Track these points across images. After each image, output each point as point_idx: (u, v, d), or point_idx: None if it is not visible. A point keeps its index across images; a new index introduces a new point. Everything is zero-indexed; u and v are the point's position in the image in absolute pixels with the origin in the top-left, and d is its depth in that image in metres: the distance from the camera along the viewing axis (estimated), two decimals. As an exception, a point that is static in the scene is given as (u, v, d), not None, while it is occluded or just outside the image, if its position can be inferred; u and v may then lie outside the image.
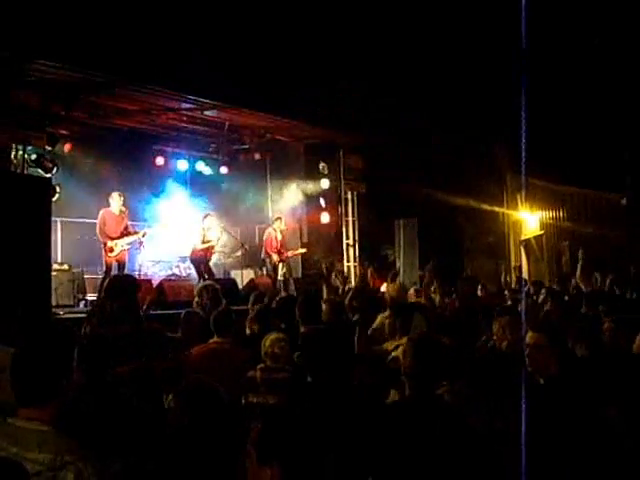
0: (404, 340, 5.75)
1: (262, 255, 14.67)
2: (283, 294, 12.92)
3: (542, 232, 19.16)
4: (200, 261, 13.14)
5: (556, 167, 16.87)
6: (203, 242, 13.10)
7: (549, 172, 16.76)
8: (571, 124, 16.42)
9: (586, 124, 16.28)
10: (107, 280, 8.64)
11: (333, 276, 15.43)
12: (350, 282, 16.33)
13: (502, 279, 14.34)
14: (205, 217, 13.47)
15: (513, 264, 19.57)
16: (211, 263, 13.62)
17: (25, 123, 10.89)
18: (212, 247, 13.30)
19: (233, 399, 3.38)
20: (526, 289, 10.61)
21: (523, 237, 19.77)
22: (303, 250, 15.65)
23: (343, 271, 16.49)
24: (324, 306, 6.83)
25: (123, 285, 6.87)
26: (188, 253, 13.48)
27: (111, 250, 11.74)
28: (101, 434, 3.17)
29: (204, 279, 12.44)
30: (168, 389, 4.20)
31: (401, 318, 6.03)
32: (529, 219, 19.44)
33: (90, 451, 2.65)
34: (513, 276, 12.91)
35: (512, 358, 4.65)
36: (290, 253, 15.03)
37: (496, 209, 19.92)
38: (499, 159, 19.54)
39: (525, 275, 17.92)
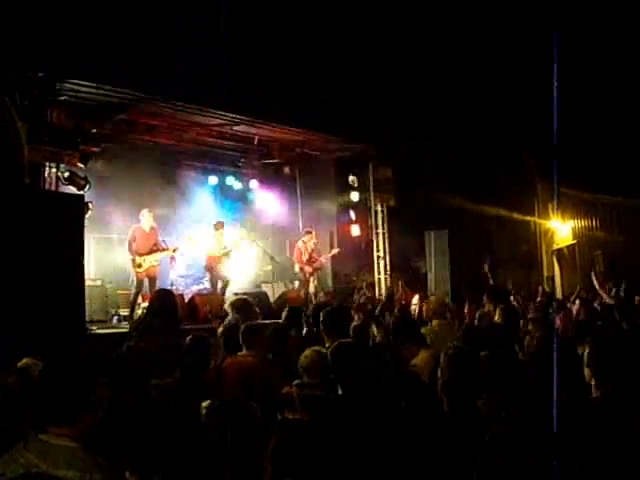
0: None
1: (296, 269, 14.74)
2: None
3: (574, 241, 18.97)
4: (215, 269, 13.21)
5: (588, 175, 16.71)
6: (222, 249, 13.16)
7: (581, 181, 16.61)
8: (603, 132, 16.27)
9: (618, 132, 16.11)
10: (151, 296, 8.70)
11: (364, 288, 15.40)
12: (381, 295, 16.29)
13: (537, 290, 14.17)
14: (219, 225, 13.52)
15: (545, 274, 19.38)
16: (242, 276, 13.66)
17: (58, 141, 11.03)
18: (229, 253, 13.32)
19: (263, 413, 3.38)
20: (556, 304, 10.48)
21: (555, 247, 19.57)
22: (337, 250, 15.59)
23: (373, 284, 16.44)
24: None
25: (165, 300, 6.94)
26: (204, 261, 13.49)
27: (139, 266, 11.90)
28: (135, 450, 3.18)
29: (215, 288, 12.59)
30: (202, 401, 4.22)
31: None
32: (561, 228, 19.26)
33: (120, 468, 2.66)
34: (546, 287, 12.73)
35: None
36: (323, 258, 15.04)
37: (527, 219, 19.77)
38: (530, 168, 19.39)
39: (558, 285, 17.72)
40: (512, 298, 10.99)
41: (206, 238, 13.48)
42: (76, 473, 2.56)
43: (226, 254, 13.25)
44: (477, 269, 17.02)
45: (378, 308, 9.79)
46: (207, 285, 15.00)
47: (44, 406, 2.75)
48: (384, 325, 7.37)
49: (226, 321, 7.10)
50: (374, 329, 7.02)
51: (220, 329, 6.53)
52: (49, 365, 2.83)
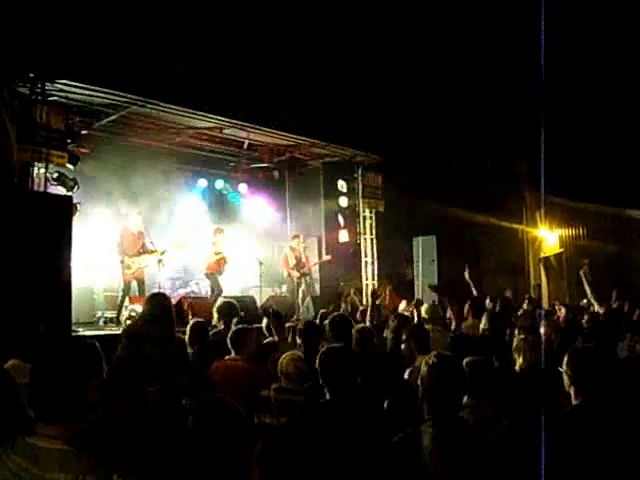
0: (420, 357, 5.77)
1: (285, 274, 14.77)
2: (301, 313, 13.00)
3: (562, 250, 19.07)
4: (214, 275, 13.20)
5: (575, 184, 16.81)
6: (215, 254, 13.17)
7: (568, 189, 16.71)
8: (590, 142, 16.38)
9: (606, 141, 16.22)
10: (145, 299, 8.59)
11: (352, 294, 15.41)
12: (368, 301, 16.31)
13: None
14: (215, 231, 13.55)
15: (533, 282, 19.48)
16: (229, 280, 13.66)
17: (47, 142, 11.00)
18: (224, 259, 13.32)
19: (248, 418, 3.39)
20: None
21: (543, 255, 19.67)
22: (328, 257, 15.59)
23: (361, 289, 16.46)
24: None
25: (160, 305, 6.90)
26: (203, 269, 13.55)
27: (128, 267, 11.89)
28: (126, 453, 3.17)
29: (217, 295, 12.54)
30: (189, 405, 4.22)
31: (416, 339, 6.02)
32: (549, 237, 19.36)
33: (110, 471, 2.65)
34: (533, 295, 12.80)
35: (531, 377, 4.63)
36: (313, 265, 15.08)
37: (515, 227, 19.86)
38: (518, 176, 19.49)
39: (545, 293, 17.81)
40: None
41: (204, 244, 13.52)
42: (68, 476, 2.54)
43: (223, 259, 13.26)
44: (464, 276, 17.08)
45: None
46: (195, 289, 15.00)
47: (35, 403, 2.74)
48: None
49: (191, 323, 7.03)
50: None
51: (187, 329, 6.54)
52: (40, 361, 2.82)
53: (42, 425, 2.68)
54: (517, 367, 5.55)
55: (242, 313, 7.71)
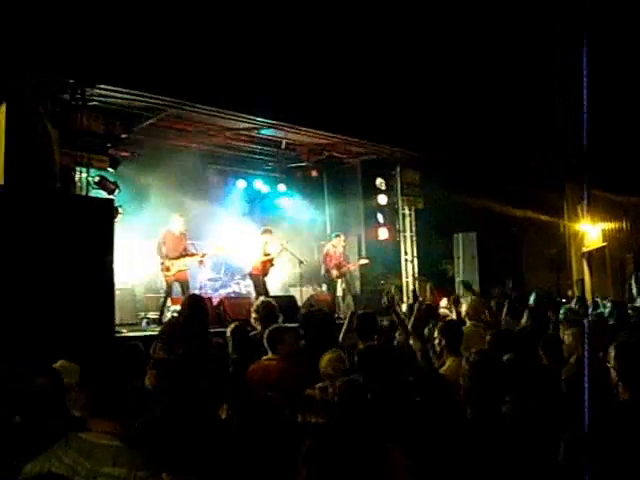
0: (450, 360, 5.72)
1: (322, 272, 14.75)
2: (342, 311, 12.98)
3: (605, 244, 18.77)
4: (259, 277, 13.23)
5: (617, 177, 16.54)
6: (264, 255, 13.20)
7: (610, 182, 16.44)
8: (632, 133, 16.10)
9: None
10: (182, 301, 8.63)
11: (392, 291, 15.34)
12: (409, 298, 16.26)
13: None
14: (264, 232, 13.57)
15: (575, 277, 19.21)
16: (269, 280, 13.70)
17: (88, 146, 11.18)
18: (271, 260, 13.35)
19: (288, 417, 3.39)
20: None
21: (585, 249, 19.37)
22: (366, 261, 15.57)
23: (402, 287, 16.40)
24: None
25: (195, 307, 6.96)
26: (248, 269, 13.57)
27: (167, 269, 11.97)
28: (174, 450, 3.22)
29: (264, 295, 12.57)
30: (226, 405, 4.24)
31: (448, 337, 5.97)
32: (591, 231, 19.07)
33: (161, 467, 2.70)
34: (575, 290, 12.60)
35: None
36: (352, 266, 15.06)
37: (556, 221, 19.60)
38: (558, 170, 19.22)
39: (588, 289, 17.54)
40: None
41: (243, 244, 13.59)
42: (122, 470, 2.61)
43: (270, 261, 13.29)
44: (505, 272, 16.91)
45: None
46: (235, 289, 15.05)
47: (88, 401, 2.81)
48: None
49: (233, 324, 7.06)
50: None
51: (228, 331, 6.57)
52: (89, 362, 2.89)
53: (95, 421, 2.75)
54: (571, 361, 5.48)
55: (280, 314, 7.69)
